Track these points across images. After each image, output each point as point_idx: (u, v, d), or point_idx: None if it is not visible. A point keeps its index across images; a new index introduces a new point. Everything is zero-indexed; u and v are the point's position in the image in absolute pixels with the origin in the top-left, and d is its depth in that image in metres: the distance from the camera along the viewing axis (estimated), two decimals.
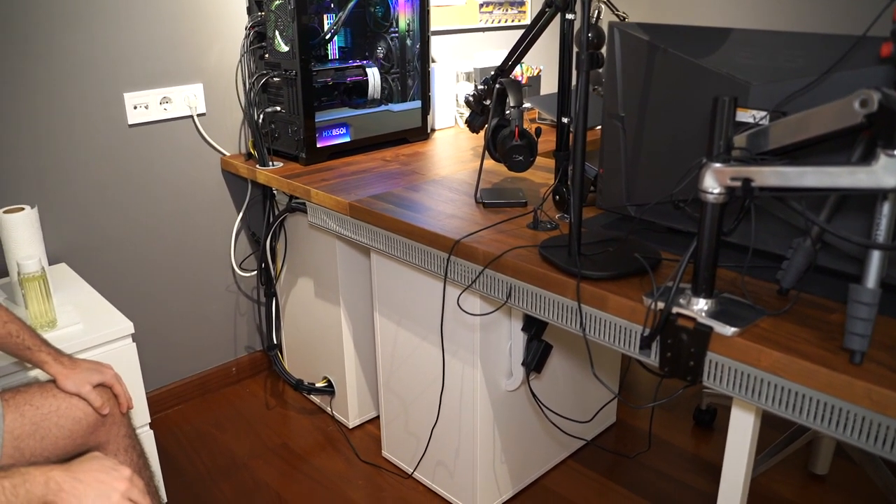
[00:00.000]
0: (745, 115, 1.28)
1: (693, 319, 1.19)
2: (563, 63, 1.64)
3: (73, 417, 1.43)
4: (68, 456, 1.42)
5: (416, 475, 2.12)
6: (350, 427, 2.39)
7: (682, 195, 1.26)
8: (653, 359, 1.27)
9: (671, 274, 1.29)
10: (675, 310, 1.20)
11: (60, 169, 2.12)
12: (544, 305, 1.46)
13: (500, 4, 3.14)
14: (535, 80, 3.00)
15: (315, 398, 2.54)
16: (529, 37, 1.79)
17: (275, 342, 2.53)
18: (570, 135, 1.64)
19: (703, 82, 1.36)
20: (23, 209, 1.84)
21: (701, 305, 1.19)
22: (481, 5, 3.06)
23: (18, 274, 1.70)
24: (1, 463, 1.32)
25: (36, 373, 1.60)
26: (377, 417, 2.42)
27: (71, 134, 2.12)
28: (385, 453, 2.24)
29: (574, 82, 1.53)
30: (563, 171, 1.70)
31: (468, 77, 2.88)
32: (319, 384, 2.43)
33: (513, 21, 3.21)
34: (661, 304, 1.21)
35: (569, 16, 1.59)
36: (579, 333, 1.38)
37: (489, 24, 3.12)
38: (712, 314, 1.18)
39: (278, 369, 2.50)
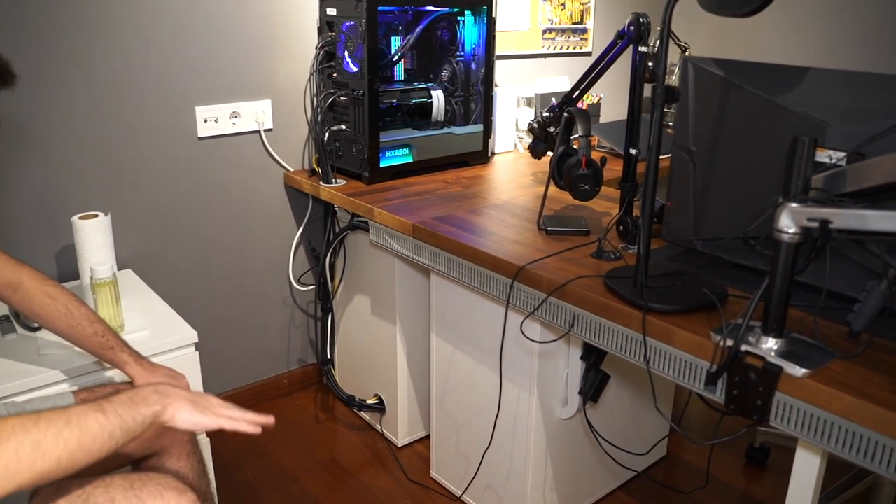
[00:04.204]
0: (821, 156, 1.27)
1: (762, 358, 1.18)
2: (633, 95, 1.64)
3: None
4: (134, 458, 1.46)
5: (465, 498, 2.12)
6: (399, 445, 2.40)
7: (754, 232, 1.25)
8: (718, 395, 1.26)
9: (741, 311, 1.28)
10: (743, 347, 1.19)
11: (131, 178, 2.19)
12: (607, 336, 1.46)
13: (563, 31, 3.16)
14: (595, 108, 3.00)
15: (365, 415, 2.56)
16: (599, 67, 1.80)
17: (328, 357, 2.56)
18: (638, 166, 1.65)
19: (778, 120, 1.35)
20: (97, 216, 1.90)
21: (770, 344, 1.18)
22: (544, 31, 3.09)
23: (91, 279, 1.75)
24: None
25: (112, 373, 1.65)
26: (426, 437, 2.43)
27: (143, 145, 2.19)
28: (433, 474, 2.24)
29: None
30: (628, 201, 1.70)
31: (529, 102, 2.90)
32: (370, 401, 2.45)
33: (575, 48, 3.22)
34: (729, 341, 1.20)
35: (641, 48, 1.60)
36: (642, 366, 1.38)
37: (551, 51, 3.14)
38: (782, 354, 1.17)
39: (330, 384, 2.52)
